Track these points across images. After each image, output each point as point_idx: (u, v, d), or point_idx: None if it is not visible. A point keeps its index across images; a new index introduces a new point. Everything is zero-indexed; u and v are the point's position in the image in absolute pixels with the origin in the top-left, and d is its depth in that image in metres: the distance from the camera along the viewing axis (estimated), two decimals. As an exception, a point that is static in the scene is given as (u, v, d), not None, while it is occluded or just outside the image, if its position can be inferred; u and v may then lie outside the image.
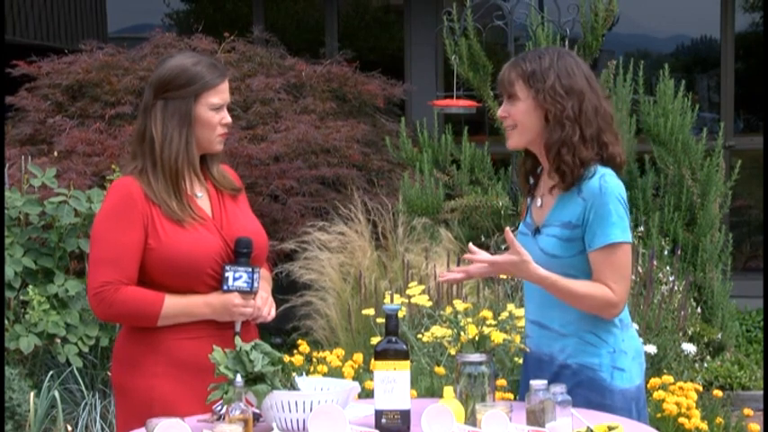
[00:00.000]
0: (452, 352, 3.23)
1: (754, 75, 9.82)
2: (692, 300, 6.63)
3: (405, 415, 2.91)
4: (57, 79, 8.03)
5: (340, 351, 5.17)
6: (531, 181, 3.36)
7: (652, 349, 5.27)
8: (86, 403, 5.77)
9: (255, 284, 3.27)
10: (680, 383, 4.75)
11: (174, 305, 3.22)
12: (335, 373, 4.89)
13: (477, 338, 3.18)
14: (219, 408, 2.98)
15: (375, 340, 4.27)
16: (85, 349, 5.91)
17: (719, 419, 5.40)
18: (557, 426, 2.84)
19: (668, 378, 4.76)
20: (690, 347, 5.63)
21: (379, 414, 2.92)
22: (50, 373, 5.79)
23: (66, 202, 5.97)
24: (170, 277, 3.23)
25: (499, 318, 3.30)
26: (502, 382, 4.39)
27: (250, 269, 3.26)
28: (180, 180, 3.28)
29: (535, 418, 2.87)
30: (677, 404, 4.56)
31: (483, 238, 6.88)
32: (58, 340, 5.88)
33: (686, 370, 5.63)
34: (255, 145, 7.47)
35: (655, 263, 5.85)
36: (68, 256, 6.11)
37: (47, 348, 5.96)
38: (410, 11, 10.38)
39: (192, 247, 3.23)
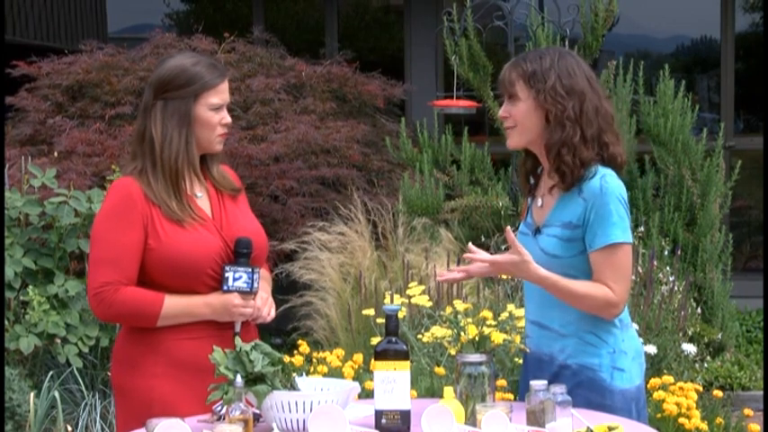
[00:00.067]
0: (452, 352, 3.23)
1: (755, 75, 9.82)
2: (692, 300, 6.63)
3: (405, 415, 2.91)
4: (57, 79, 8.03)
5: (340, 351, 5.16)
6: (532, 181, 3.36)
7: (652, 349, 5.27)
8: (86, 404, 5.77)
9: (255, 285, 3.27)
10: (680, 384, 4.75)
11: (174, 305, 3.22)
12: (335, 373, 4.89)
13: (477, 339, 3.18)
14: (219, 408, 2.98)
15: (375, 340, 4.27)
16: (85, 349, 5.91)
17: (719, 420, 5.40)
18: (557, 426, 2.84)
19: (668, 378, 4.76)
20: (690, 348, 5.63)
21: (379, 414, 2.91)
22: (50, 373, 5.79)
23: (66, 203, 5.97)
24: (170, 277, 3.23)
25: (499, 318, 3.30)
26: (502, 382, 4.39)
27: (250, 269, 3.26)
28: (180, 180, 3.28)
29: (535, 418, 2.87)
30: (677, 404, 4.56)
31: (483, 239, 6.88)
32: (58, 340, 5.88)
33: (686, 370, 5.63)
34: (255, 145, 7.47)
35: (655, 263, 5.85)
36: (68, 256, 6.11)
37: (47, 349, 5.96)
38: (410, 11, 10.38)
39: (191, 247, 3.23)
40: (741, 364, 7.11)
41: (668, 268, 6.30)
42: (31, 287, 5.89)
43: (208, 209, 3.34)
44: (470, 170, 7.55)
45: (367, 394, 3.87)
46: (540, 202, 3.29)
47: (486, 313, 3.50)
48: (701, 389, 4.97)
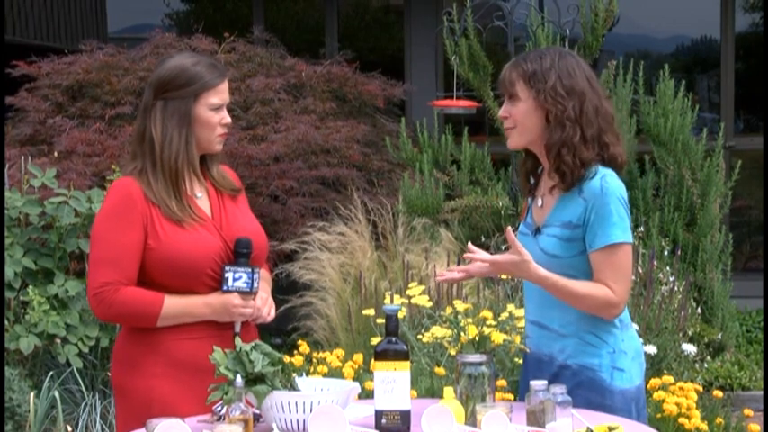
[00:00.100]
0: (452, 352, 3.23)
1: (755, 75, 9.82)
2: (692, 300, 6.63)
3: (405, 415, 2.91)
4: (57, 80, 8.03)
5: (340, 351, 5.16)
6: (532, 181, 3.36)
7: (652, 350, 5.27)
8: (86, 404, 5.77)
9: (255, 285, 3.27)
10: (680, 384, 4.75)
11: (174, 305, 3.22)
12: (335, 373, 4.89)
13: (477, 339, 3.18)
14: (219, 408, 2.98)
15: (375, 341, 4.27)
16: (85, 350, 5.91)
17: (719, 420, 5.40)
18: (557, 426, 2.84)
19: (668, 378, 4.76)
20: (690, 348, 5.63)
21: (379, 414, 2.91)
22: (50, 373, 5.78)
23: (66, 203, 5.97)
24: (170, 278, 3.23)
25: (499, 318, 3.30)
26: (502, 382, 4.39)
27: (250, 269, 3.26)
28: (180, 180, 3.28)
29: (535, 418, 2.87)
30: (677, 404, 4.56)
31: (483, 239, 6.88)
32: (58, 341, 5.88)
33: (686, 370, 5.63)
34: (255, 145, 7.47)
35: (655, 263, 5.85)
36: (68, 256, 6.11)
37: (47, 349, 5.96)
38: (410, 11, 10.38)
39: (191, 247, 3.23)
40: (741, 365, 7.11)
41: (668, 268, 6.30)
42: (31, 287, 5.89)
43: (207, 209, 3.34)
44: (470, 170, 7.55)
45: (367, 394, 3.87)
46: (540, 202, 3.29)
47: (486, 313, 3.50)
48: (701, 389, 4.97)
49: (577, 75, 3.21)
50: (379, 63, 9.35)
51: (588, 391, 3.16)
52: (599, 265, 3.15)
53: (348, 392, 2.96)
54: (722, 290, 7.18)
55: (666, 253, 6.78)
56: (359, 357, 5.07)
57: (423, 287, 5.15)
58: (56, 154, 7.32)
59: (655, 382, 4.70)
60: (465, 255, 3.27)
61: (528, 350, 3.28)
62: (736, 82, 9.81)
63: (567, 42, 7.08)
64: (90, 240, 3.32)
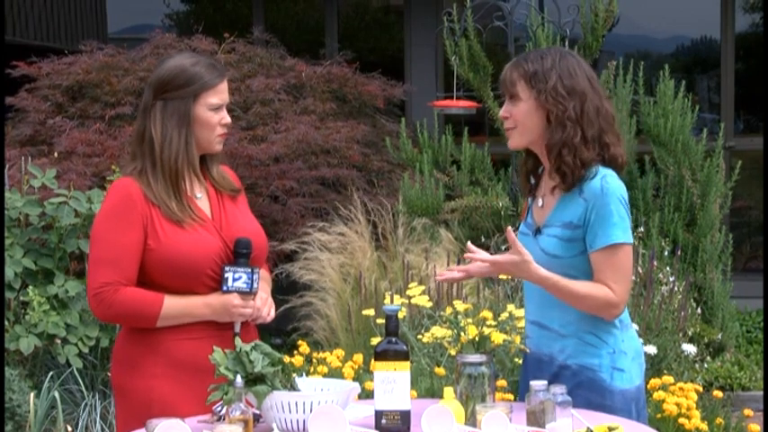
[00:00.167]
0: (452, 353, 3.23)
1: (755, 75, 9.82)
2: (692, 300, 6.63)
3: (405, 415, 2.91)
4: (57, 80, 8.03)
5: (340, 352, 5.16)
6: (533, 181, 3.36)
7: (652, 350, 5.27)
8: (86, 404, 5.77)
9: (255, 285, 3.27)
10: (680, 384, 4.75)
11: (174, 306, 3.22)
12: (335, 373, 4.89)
13: (477, 339, 3.18)
14: (219, 408, 2.98)
15: (375, 341, 4.27)
16: (85, 350, 5.92)
17: (720, 420, 5.40)
18: (557, 426, 2.84)
19: (668, 379, 4.76)
20: (690, 348, 5.63)
21: (379, 415, 2.91)
22: (50, 373, 5.79)
23: (66, 203, 5.97)
24: (169, 278, 3.22)
25: (499, 318, 3.30)
26: (502, 382, 4.39)
27: (249, 270, 3.26)
28: (180, 180, 3.28)
29: (535, 418, 2.87)
30: (677, 405, 4.56)
31: (483, 239, 6.88)
32: (58, 341, 5.88)
33: (686, 370, 5.63)
34: (255, 146, 7.47)
35: (655, 263, 5.86)
36: (68, 256, 6.11)
37: (47, 349, 5.96)
38: (410, 12, 10.38)
39: (191, 247, 3.23)
40: (741, 365, 7.11)
41: (668, 268, 6.30)
42: (30, 287, 5.89)
43: (207, 209, 3.34)
44: (470, 170, 7.55)
45: (367, 394, 3.87)
46: (540, 202, 3.29)
47: (486, 313, 3.50)
48: (701, 389, 4.97)
49: (578, 75, 3.21)
50: (379, 63, 9.36)
51: (588, 392, 3.16)
52: (599, 266, 3.15)
53: (348, 393, 2.96)
54: (722, 290, 7.19)
55: (666, 253, 6.78)
56: (359, 357, 5.07)
57: (423, 287, 5.15)
58: (56, 154, 7.32)
59: (655, 382, 4.70)
60: (465, 255, 3.27)
61: (528, 350, 3.28)
62: (736, 82, 9.81)
63: (567, 43, 7.08)
64: (90, 241, 3.32)
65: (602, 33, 7.31)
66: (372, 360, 2.98)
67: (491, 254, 3.26)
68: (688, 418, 4.55)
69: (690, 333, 6.26)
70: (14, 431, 5.53)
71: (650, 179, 7.25)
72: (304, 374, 3.90)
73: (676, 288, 5.93)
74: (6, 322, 5.86)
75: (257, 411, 2.93)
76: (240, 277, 3.25)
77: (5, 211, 5.96)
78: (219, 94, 3.31)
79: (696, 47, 10.74)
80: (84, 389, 5.83)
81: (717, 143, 7.43)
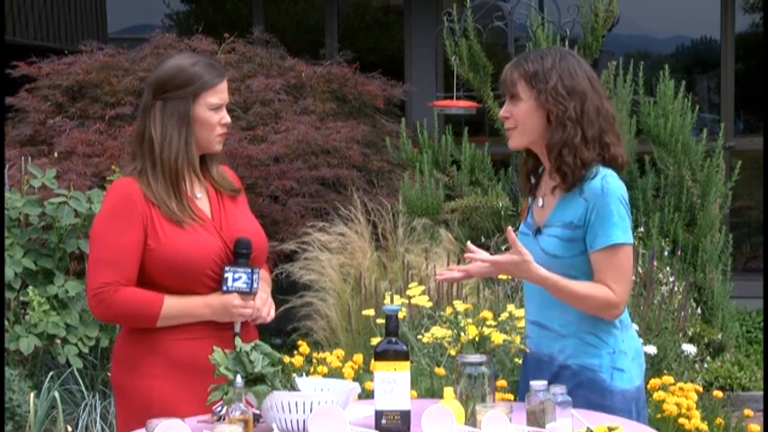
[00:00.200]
0: (452, 353, 3.23)
1: (755, 75, 9.82)
2: (692, 300, 6.63)
3: (405, 415, 2.91)
4: (57, 80, 8.03)
5: (340, 352, 5.16)
6: (533, 181, 3.36)
7: (652, 350, 5.27)
8: (86, 404, 5.77)
9: (255, 285, 3.27)
10: (680, 384, 4.75)
11: (174, 306, 3.22)
12: (335, 373, 4.89)
13: (477, 339, 3.18)
14: (219, 408, 2.98)
15: (375, 341, 4.26)
16: (85, 350, 5.91)
17: (720, 420, 5.40)
18: (557, 426, 2.84)
19: (668, 379, 4.76)
20: (690, 348, 5.63)
21: (379, 415, 2.91)
22: (50, 373, 5.79)
23: (66, 203, 5.97)
24: (169, 278, 3.22)
25: (499, 318, 3.30)
26: (502, 382, 4.39)
27: (249, 270, 3.26)
28: (180, 180, 3.28)
29: (535, 418, 2.87)
30: (677, 405, 4.56)
31: (483, 239, 6.88)
32: (58, 341, 5.88)
33: (686, 371, 5.63)
34: (255, 146, 7.47)
35: (655, 263, 5.85)
36: (68, 256, 6.11)
37: (47, 349, 5.96)
38: (410, 12, 10.38)
39: (191, 248, 3.23)
40: (741, 365, 7.11)
41: (668, 269, 6.30)
42: (30, 288, 5.89)
43: (207, 209, 3.34)
44: (470, 170, 7.55)
45: (367, 395, 3.87)
46: (540, 202, 3.29)
47: (486, 314, 3.50)
48: (701, 389, 4.97)
49: (579, 75, 3.21)
50: (379, 63, 9.36)
51: (588, 392, 3.16)
52: (599, 266, 3.15)
53: (348, 393, 2.96)
54: (722, 290, 7.19)
55: (666, 253, 6.78)
56: (359, 358, 5.07)
57: (423, 287, 5.15)
58: (56, 154, 7.32)
59: (655, 382, 4.70)
60: (466, 255, 3.26)
61: (528, 350, 3.28)
62: (736, 82, 9.81)
63: (567, 43, 7.08)
64: (89, 241, 3.32)
65: (602, 33, 7.32)
66: (372, 360, 2.98)
67: (491, 254, 3.26)
68: (688, 418, 4.55)
69: (690, 333, 6.26)
70: (14, 431, 5.53)
71: (650, 179, 7.25)
72: (304, 374, 3.90)
73: (676, 288, 5.93)
74: (6, 322, 5.86)
75: (257, 411, 2.93)
76: (240, 277, 3.25)
77: (5, 211, 5.96)
78: (219, 94, 3.31)
79: (696, 47, 10.74)
80: (84, 389, 5.83)
81: (717, 143, 7.43)
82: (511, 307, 3.65)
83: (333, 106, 8.12)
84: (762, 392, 6.69)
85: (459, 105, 7.44)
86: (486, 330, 3.19)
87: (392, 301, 5.22)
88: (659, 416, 4.57)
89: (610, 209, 3.14)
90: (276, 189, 7.51)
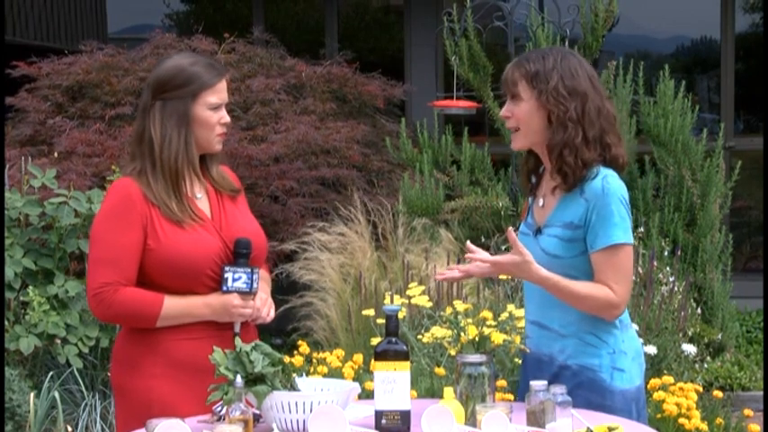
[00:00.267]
0: (452, 353, 3.23)
1: (755, 75, 9.82)
2: (692, 300, 6.63)
3: (405, 415, 2.91)
4: (57, 80, 8.03)
5: (340, 352, 5.16)
6: (534, 180, 3.36)
7: (652, 350, 5.27)
8: (86, 404, 5.77)
9: (255, 285, 3.27)
10: (680, 384, 4.75)
11: (174, 306, 3.22)
12: (335, 373, 4.89)
13: (477, 339, 3.18)
14: (219, 408, 2.98)
15: (375, 341, 4.26)
16: (85, 350, 5.91)
17: (720, 420, 5.40)
18: (557, 426, 2.84)
19: (668, 379, 4.76)
20: (690, 348, 5.63)
21: (379, 415, 2.91)
22: (50, 373, 5.79)
23: (66, 203, 5.97)
24: (169, 278, 3.22)
25: (499, 318, 3.30)
26: (502, 382, 4.39)
27: (249, 270, 3.26)
28: (180, 180, 3.28)
29: (535, 418, 2.87)
30: (677, 405, 4.56)
31: (483, 239, 6.88)
32: (58, 341, 5.88)
33: (686, 371, 5.63)
34: (255, 146, 7.47)
35: (655, 263, 5.85)
36: (68, 256, 6.11)
37: (47, 349, 5.96)
38: (410, 12, 10.38)
39: (191, 248, 3.23)
40: (741, 365, 7.11)
41: (668, 269, 6.30)
42: (30, 288, 5.89)
43: (207, 209, 3.34)
44: (470, 170, 7.55)
45: (367, 395, 3.87)
46: (541, 201, 3.29)
47: (486, 314, 3.49)
48: (701, 389, 4.97)
49: (580, 75, 3.20)
50: (379, 63, 9.36)
51: (588, 392, 3.16)
52: (600, 266, 3.15)
53: (348, 393, 2.96)
54: (722, 290, 7.19)
55: (666, 253, 6.78)
56: (359, 358, 5.07)
57: (423, 287, 5.15)
58: (56, 154, 7.32)
59: (655, 382, 4.70)
60: (466, 255, 3.26)
61: (528, 350, 3.28)
62: (736, 82, 9.81)
63: (567, 43, 7.08)
64: (89, 241, 3.32)
65: (602, 33, 7.32)
66: (372, 360, 2.98)
67: (491, 254, 3.26)
68: (688, 418, 4.55)
69: (690, 333, 6.26)
70: (14, 431, 5.53)
71: (650, 179, 7.25)
72: (304, 374, 3.90)
73: (676, 288, 5.93)
74: (6, 322, 5.86)
75: (257, 411, 2.93)
76: (240, 277, 3.25)
77: (5, 211, 5.96)
78: (218, 94, 3.31)
79: (696, 47, 10.74)
80: (84, 389, 5.83)
81: (717, 143, 7.43)
82: (511, 307, 3.65)
83: (333, 106, 8.12)
84: (762, 392, 6.69)
85: (460, 105, 7.44)
86: (486, 330, 3.19)
87: (392, 301, 5.22)
88: (659, 416, 4.57)
89: (610, 209, 3.14)
90: (276, 189, 7.51)
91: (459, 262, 5.58)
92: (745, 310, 8.55)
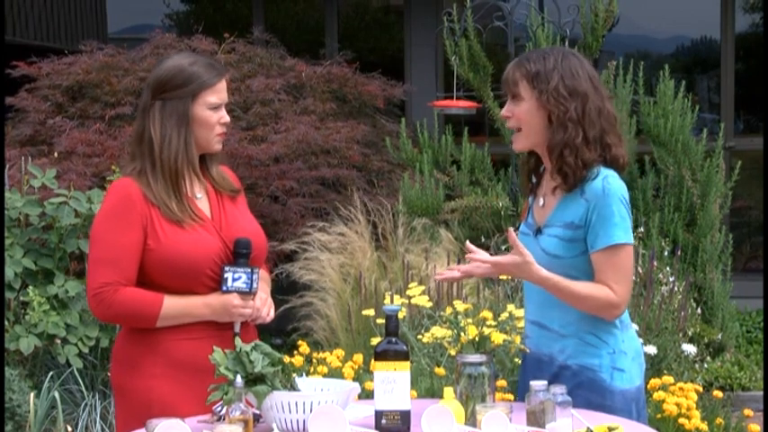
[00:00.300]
0: (452, 353, 3.23)
1: (755, 75, 9.82)
2: (692, 300, 6.63)
3: (405, 415, 2.91)
4: (57, 80, 8.03)
5: (340, 352, 5.16)
6: (534, 180, 3.36)
7: (652, 350, 5.27)
8: (86, 404, 5.77)
9: (254, 285, 3.27)
10: (680, 384, 4.75)
11: (174, 306, 3.22)
12: (335, 373, 4.89)
13: (477, 339, 3.18)
14: (219, 408, 2.98)
15: (375, 341, 4.26)
16: (85, 350, 5.91)
17: (720, 420, 5.40)
18: (557, 426, 2.84)
19: (668, 379, 4.76)
20: (690, 348, 5.63)
21: (379, 415, 2.91)
22: (50, 373, 5.78)
23: (66, 203, 5.97)
24: (169, 278, 3.22)
25: (499, 318, 3.30)
26: (502, 382, 4.39)
27: (249, 270, 3.26)
28: (179, 180, 3.28)
29: (535, 418, 2.87)
30: (677, 405, 4.56)
31: (483, 239, 6.88)
32: (58, 341, 5.88)
33: (686, 371, 5.63)
34: (255, 146, 7.47)
35: (655, 263, 5.85)
36: (68, 256, 6.11)
37: (47, 349, 5.96)
38: (410, 12, 10.38)
39: (191, 248, 3.23)
40: (741, 365, 7.11)
41: (668, 269, 6.30)
42: (30, 288, 5.89)
43: (207, 209, 3.34)
44: (470, 170, 7.55)
45: (367, 395, 3.87)
46: (541, 201, 3.29)
47: (486, 314, 3.49)
48: (701, 389, 4.97)
49: (580, 76, 3.20)
50: (379, 63, 9.36)
51: (588, 392, 3.16)
52: (600, 266, 3.15)
53: (348, 393, 2.96)
54: (722, 290, 7.19)
55: (666, 253, 6.78)
56: (359, 358, 5.07)
57: (423, 287, 5.15)
58: (56, 154, 7.32)
59: (655, 382, 4.69)
60: (467, 256, 3.26)
61: (528, 350, 3.28)
62: (736, 82, 9.81)
63: (566, 43, 7.08)
64: (89, 241, 3.32)
65: (602, 33, 7.32)
66: (372, 360, 2.98)
67: (491, 254, 3.26)
68: (688, 418, 4.55)
69: (690, 333, 6.26)
70: (14, 431, 5.53)
71: (650, 179, 7.25)
72: (304, 374, 3.90)
73: (676, 288, 5.93)
74: (6, 322, 5.86)
75: (257, 411, 2.93)
76: (240, 277, 3.25)
77: (5, 211, 5.96)
78: (218, 93, 3.31)
79: (696, 47, 10.74)
80: (84, 389, 5.83)
81: (717, 143, 7.43)
82: (511, 307, 3.64)
83: (333, 106, 8.12)
84: (762, 392, 6.69)
85: (460, 105, 7.44)
86: (486, 330, 3.19)
87: (392, 301, 5.22)
88: (659, 416, 4.57)
89: (611, 209, 3.14)
90: (276, 189, 7.51)
91: (459, 262, 5.58)
92: (745, 310, 8.55)
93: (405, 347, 2.93)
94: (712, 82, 10.45)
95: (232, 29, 8.64)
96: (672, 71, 7.40)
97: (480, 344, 3.18)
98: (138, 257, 3.22)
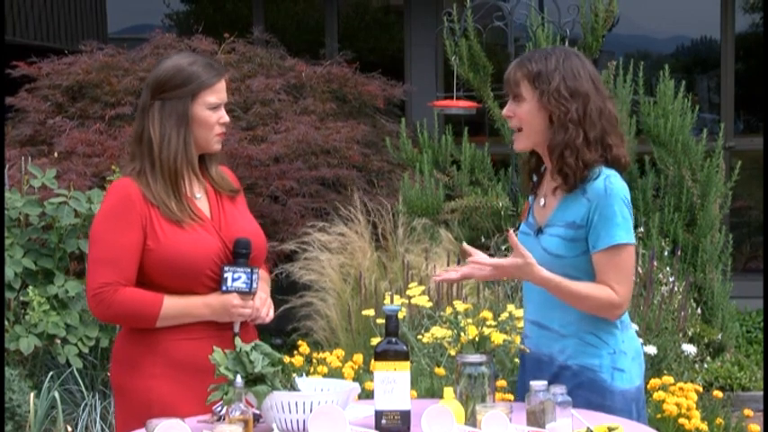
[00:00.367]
0: (452, 353, 3.22)
1: (755, 75, 9.82)
2: (692, 300, 6.63)
3: (405, 416, 2.91)
4: (57, 80, 8.03)
5: (340, 352, 5.16)
6: (535, 179, 3.35)
7: (652, 350, 5.27)
8: (86, 404, 5.77)
9: (254, 285, 3.27)
10: (680, 384, 4.75)
11: (173, 306, 3.22)
12: (335, 373, 4.89)
13: (477, 339, 3.18)
14: (219, 408, 2.98)
15: (375, 341, 4.26)
16: (85, 350, 5.91)
17: (720, 420, 5.40)
18: (557, 426, 2.84)
19: (668, 379, 4.76)
20: (690, 348, 5.63)
21: (379, 415, 2.91)
22: (50, 373, 5.78)
23: (66, 203, 5.97)
24: (169, 278, 3.22)
25: (499, 318, 3.30)
26: (502, 382, 4.39)
27: (249, 270, 3.26)
28: (179, 180, 3.28)
29: (535, 418, 2.87)
30: (677, 405, 4.56)
31: (483, 239, 6.88)
32: (58, 341, 5.88)
33: (686, 371, 5.63)
34: (255, 146, 7.47)
35: (655, 263, 5.85)
36: (68, 256, 6.11)
37: (47, 349, 5.96)
38: (410, 12, 10.38)
39: (190, 248, 3.23)
40: (741, 365, 7.11)
41: (668, 269, 6.30)
42: (30, 288, 5.89)
43: (206, 209, 3.34)
44: (470, 171, 7.55)
45: (367, 395, 3.87)
46: (542, 201, 3.29)
47: (486, 314, 3.49)
48: (701, 389, 4.97)
49: (582, 76, 3.20)
50: (379, 63, 9.36)
51: (588, 392, 3.16)
52: (602, 266, 3.15)
53: (348, 393, 2.96)
54: (722, 290, 7.19)
55: (666, 253, 6.78)
56: (359, 358, 5.07)
57: (423, 287, 5.15)
58: (56, 154, 7.32)
59: (655, 382, 4.69)
60: (468, 259, 3.25)
61: (528, 350, 3.28)
62: (736, 82, 9.81)
63: (566, 43, 7.08)
64: (89, 241, 3.32)
65: (602, 33, 7.32)
66: (372, 360, 2.98)
67: (491, 255, 3.25)
68: (688, 418, 4.55)
69: (690, 333, 6.26)
70: (14, 431, 5.53)
71: (650, 179, 7.25)
72: (304, 374, 3.90)
73: (676, 288, 5.93)
74: (6, 322, 5.86)
75: (257, 411, 2.93)
76: (239, 277, 3.25)
77: (5, 211, 5.96)
78: (217, 93, 3.31)
79: (696, 47, 10.74)
80: (84, 389, 5.83)
81: (717, 143, 7.44)
82: (511, 307, 3.65)
83: (333, 106, 8.12)
84: (762, 392, 6.69)
85: (460, 105, 7.44)
86: (486, 330, 3.19)
87: (392, 301, 5.22)
88: (659, 416, 4.57)
89: (613, 209, 3.13)
90: (276, 189, 7.51)
91: (459, 262, 5.58)
92: (745, 310, 8.55)
93: (405, 347, 2.93)
94: (712, 82, 10.45)
95: (232, 29, 8.64)
96: (672, 71, 7.40)
97: (480, 344, 3.18)
98: (138, 257, 3.22)
